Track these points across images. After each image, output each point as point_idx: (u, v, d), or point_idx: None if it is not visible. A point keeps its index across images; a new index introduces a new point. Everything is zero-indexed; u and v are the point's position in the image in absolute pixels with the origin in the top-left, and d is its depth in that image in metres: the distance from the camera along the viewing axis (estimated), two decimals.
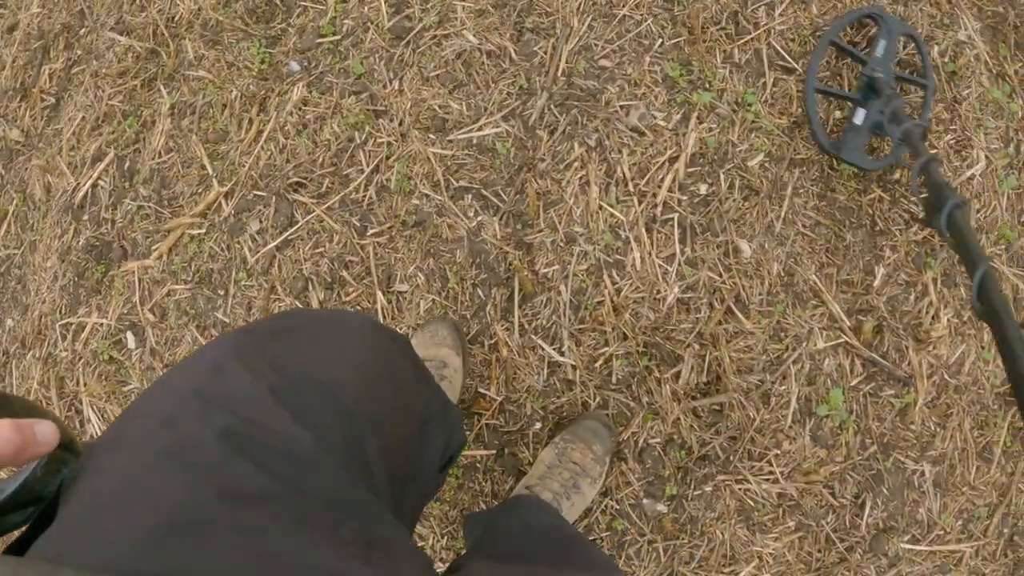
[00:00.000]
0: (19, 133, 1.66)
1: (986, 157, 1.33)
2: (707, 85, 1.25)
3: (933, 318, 1.26)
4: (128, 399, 1.38)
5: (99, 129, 1.54)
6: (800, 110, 1.26)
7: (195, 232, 1.37)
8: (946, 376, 1.28)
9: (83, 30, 1.68)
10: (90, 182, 1.50)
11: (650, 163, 1.17)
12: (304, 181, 1.29)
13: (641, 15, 1.27)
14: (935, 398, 1.28)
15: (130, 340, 1.40)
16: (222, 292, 1.34)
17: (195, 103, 1.44)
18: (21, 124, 1.67)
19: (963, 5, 1.40)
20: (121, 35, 1.58)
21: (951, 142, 1.33)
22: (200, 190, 1.39)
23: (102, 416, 1.40)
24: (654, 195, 1.19)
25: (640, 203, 1.18)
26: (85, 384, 1.40)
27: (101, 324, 1.42)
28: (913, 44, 1.29)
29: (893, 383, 1.25)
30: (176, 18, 1.54)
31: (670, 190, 1.19)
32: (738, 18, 1.28)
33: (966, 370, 1.28)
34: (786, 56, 1.28)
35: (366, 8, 1.38)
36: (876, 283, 1.26)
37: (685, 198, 1.20)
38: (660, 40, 1.26)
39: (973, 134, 1.34)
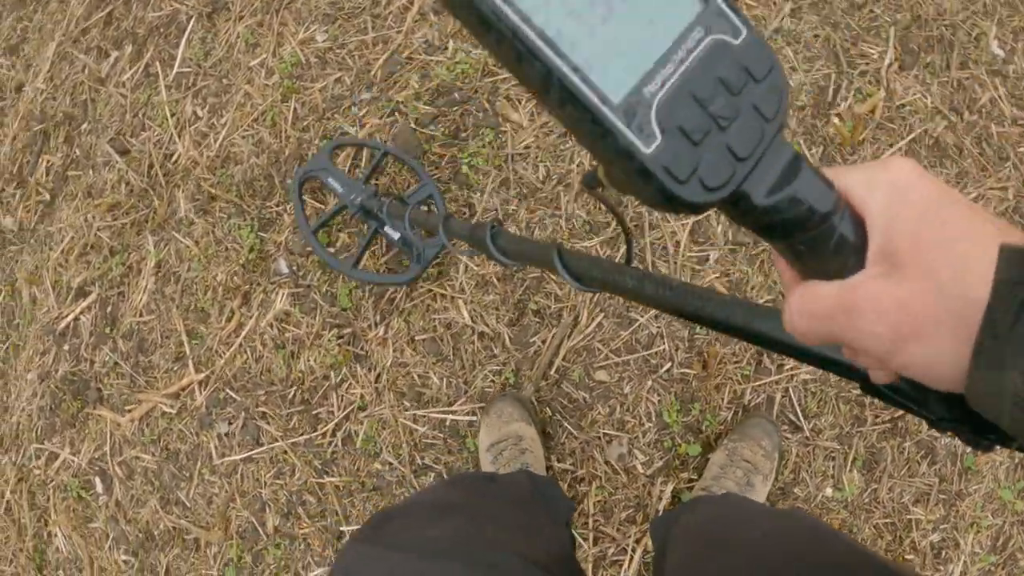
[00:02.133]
0: (12, 222, 1.45)
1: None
2: (700, 430, 1.04)
3: None
4: (93, 536, 1.32)
5: (87, 257, 1.34)
6: None
7: (167, 410, 1.24)
8: None
9: (84, 126, 1.41)
10: (73, 315, 1.33)
11: (615, 507, 1.02)
12: (272, 414, 1.14)
13: (658, 329, 1.05)
14: None
15: (98, 485, 1.32)
16: (187, 475, 1.23)
17: (180, 273, 1.24)
18: (15, 213, 1.45)
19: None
20: (118, 154, 1.32)
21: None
22: (176, 367, 1.24)
23: (67, 538, 1.35)
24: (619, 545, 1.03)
25: (595, 545, 1.05)
26: (54, 510, 1.32)
27: (73, 461, 1.32)
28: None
29: None
30: (174, 158, 1.28)
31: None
32: (761, 358, 1.07)
33: None
34: (798, 412, 1.05)
35: (365, 227, 1.15)
36: None
37: None
38: (669, 365, 1.04)
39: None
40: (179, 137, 1.28)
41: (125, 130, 1.34)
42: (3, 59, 1.59)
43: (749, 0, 1.16)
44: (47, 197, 1.41)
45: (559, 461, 1.05)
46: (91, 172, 1.36)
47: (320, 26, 1.24)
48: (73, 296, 1.30)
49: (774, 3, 1.17)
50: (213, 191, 1.19)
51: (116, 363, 1.26)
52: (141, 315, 1.26)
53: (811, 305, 0.23)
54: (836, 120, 1.16)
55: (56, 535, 1.34)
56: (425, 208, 1.03)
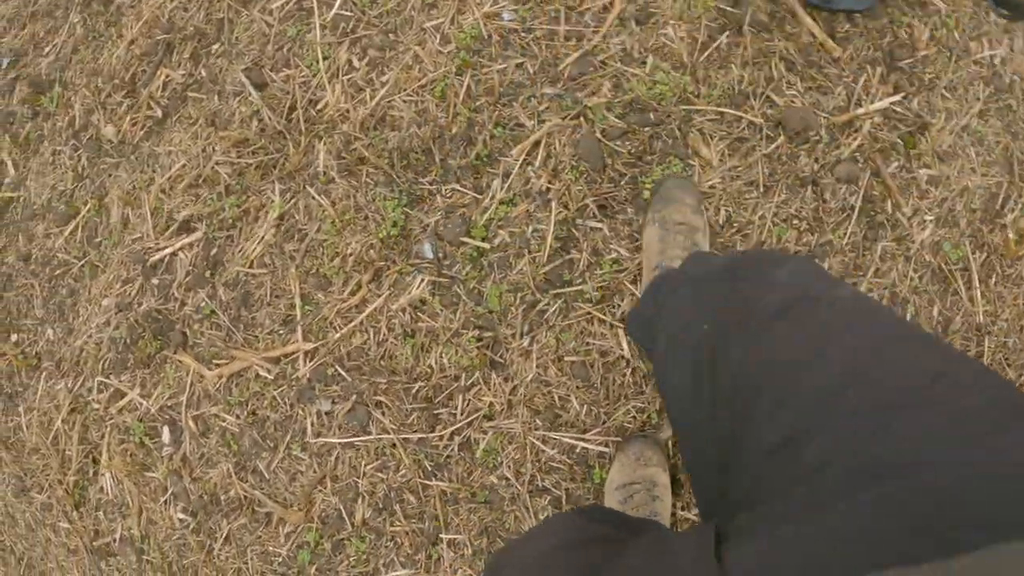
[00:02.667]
0: (114, 132, 1.29)
1: None
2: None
3: None
4: (148, 487, 1.20)
5: (197, 190, 1.20)
6: None
7: (263, 374, 1.12)
8: None
9: (216, 46, 1.26)
10: (171, 250, 1.19)
11: None
12: (390, 404, 1.04)
13: None
14: None
15: (165, 434, 1.19)
16: (271, 446, 1.12)
17: (307, 231, 1.11)
18: (119, 124, 1.29)
19: None
20: (254, 87, 1.17)
21: None
22: (282, 331, 1.12)
23: (116, 482, 1.22)
24: None
25: None
26: (108, 450, 1.18)
27: (141, 404, 1.19)
28: None
29: None
30: (319, 105, 1.14)
31: None
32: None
33: None
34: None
35: (530, 229, 1.05)
36: None
37: None
38: None
39: None
40: (329, 84, 1.14)
41: (265, 62, 1.20)
42: None
43: (944, 92, 1.10)
44: (159, 114, 1.26)
45: (683, 510, 0.99)
46: (216, 99, 1.21)
47: (509, 3, 1.12)
48: (175, 230, 1.16)
49: (966, 100, 1.11)
50: (364, 152, 1.07)
51: (213, 311, 1.13)
52: (252, 266, 1.13)
53: None
54: (1003, 230, 1.11)
55: (104, 475, 1.21)
56: None
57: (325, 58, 1.16)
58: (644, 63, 1.06)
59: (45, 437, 1.23)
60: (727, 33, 1.08)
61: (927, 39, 1.09)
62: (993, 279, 1.06)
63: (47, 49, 1.44)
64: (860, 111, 1.06)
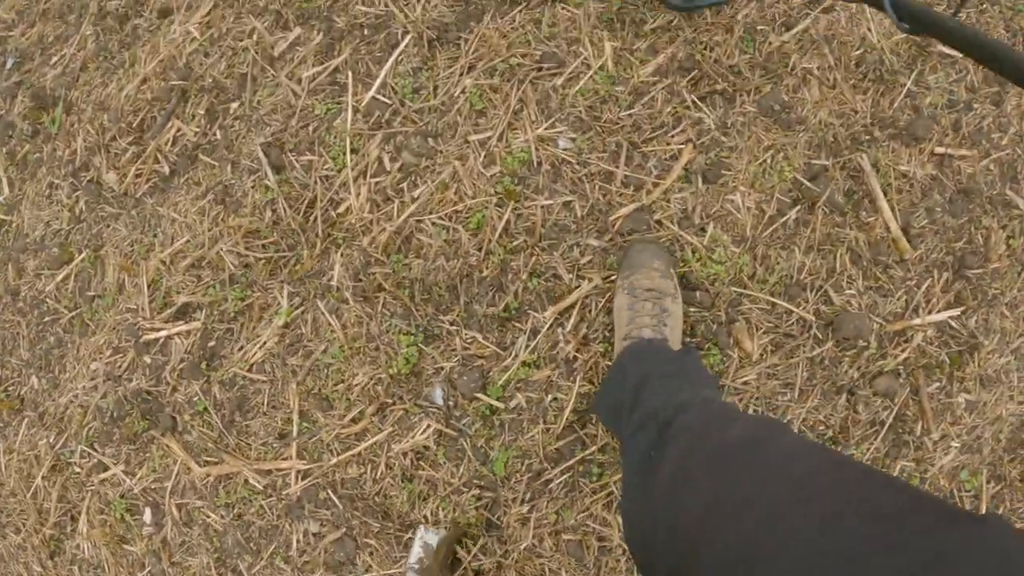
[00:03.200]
0: (116, 180, 1.13)
1: None
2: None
3: None
4: (125, 559, 1.15)
5: (199, 271, 1.07)
6: None
7: (252, 481, 1.05)
8: None
9: (235, 105, 1.09)
10: (166, 333, 1.08)
11: None
12: (378, 548, 0.98)
13: None
14: None
15: (147, 515, 1.12)
16: (254, 550, 1.06)
17: (312, 350, 1.00)
18: (122, 172, 1.13)
19: None
20: (272, 168, 1.02)
21: None
22: (276, 444, 1.03)
23: (95, 548, 1.17)
24: None
25: None
26: (87, 517, 1.10)
27: (124, 480, 1.11)
28: None
29: None
30: (341, 208, 0.99)
31: None
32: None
33: None
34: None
35: (549, 397, 0.96)
36: None
37: None
38: None
39: None
40: (354, 184, 1.00)
41: (286, 140, 1.05)
42: None
43: (1005, 310, 1.00)
44: (166, 170, 1.11)
45: None
46: (229, 170, 1.07)
47: (568, 129, 0.98)
48: (173, 313, 1.05)
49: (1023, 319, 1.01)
50: (383, 281, 0.96)
51: (206, 409, 1.05)
52: (250, 370, 1.03)
53: None
54: (1023, 463, 1.05)
55: (80, 534, 1.16)
56: None
57: (354, 151, 1.02)
58: (704, 231, 0.94)
59: (24, 488, 1.17)
60: (798, 208, 0.96)
61: (1002, 251, 0.98)
62: (1001, 511, 1.01)
63: (54, 59, 1.25)
64: (916, 321, 0.96)
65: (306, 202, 1.01)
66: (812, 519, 0.42)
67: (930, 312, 0.97)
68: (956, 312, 0.97)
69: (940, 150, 1.00)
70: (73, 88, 1.23)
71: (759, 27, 1.01)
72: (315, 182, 1.01)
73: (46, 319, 1.18)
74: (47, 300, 1.18)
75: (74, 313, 1.15)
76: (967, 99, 1.03)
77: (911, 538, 0.38)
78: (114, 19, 1.22)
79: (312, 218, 1.01)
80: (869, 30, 1.02)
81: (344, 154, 1.01)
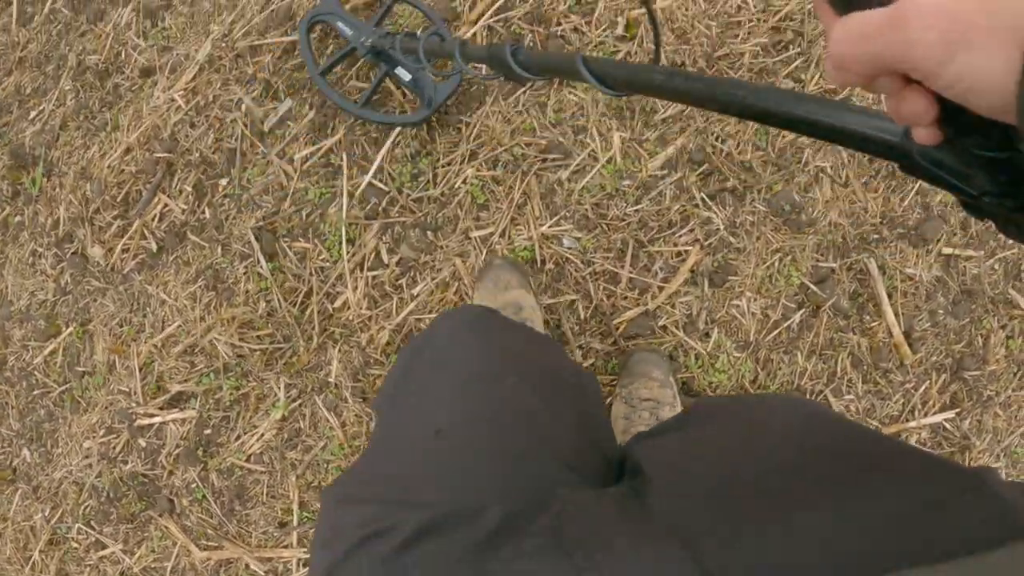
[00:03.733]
0: (101, 254, 1.05)
1: None
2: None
3: None
4: None
5: (192, 358, 1.01)
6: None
7: (253, 567, 1.02)
8: None
9: (224, 182, 1.01)
10: (160, 419, 1.02)
11: None
12: None
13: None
14: None
15: None
16: None
17: (312, 446, 0.96)
18: (108, 246, 1.05)
19: None
20: (264, 256, 0.96)
21: None
22: (277, 534, 1.01)
23: None
24: None
25: None
26: None
27: (123, 559, 1.08)
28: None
29: None
30: (337, 303, 0.94)
31: None
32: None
33: None
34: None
35: None
36: None
37: None
38: None
39: None
40: (351, 278, 0.94)
41: (279, 224, 0.97)
42: (137, 24, 1.08)
43: (999, 409, 0.98)
44: (153, 247, 1.03)
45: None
46: (220, 251, 1.00)
47: (573, 228, 0.92)
48: (167, 400, 1.00)
49: (1016, 418, 1.00)
50: (382, 381, 0.91)
51: (204, 496, 1.01)
52: (248, 460, 0.99)
53: (858, 26, 0.22)
54: None
55: None
56: (438, 38, 0.89)
57: (350, 240, 0.95)
58: (708, 336, 0.90)
59: (22, 560, 1.14)
60: (802, 312, 0.92)
61: (1001, 353, 0.96)
62: None
63: (33, 114, 1.14)
64: (911, 424, 0.94)
65: (301, 294, 0.95)
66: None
67: (926, 414, 0.95)
68: (951, 415, 0.95)
69: (948, 250, 0.96)
70: (53, 148, 1.14)
71: None
72: (310, 273, 0.95)
73: (35, 392, 1.12)
74: (35, 373, 1.12)
75: (64, 388, 1.10)
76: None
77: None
78: (94, 75, 1.12)
79: (308, 311, 0.95)
80: None
81: (340, 245, 0.95)
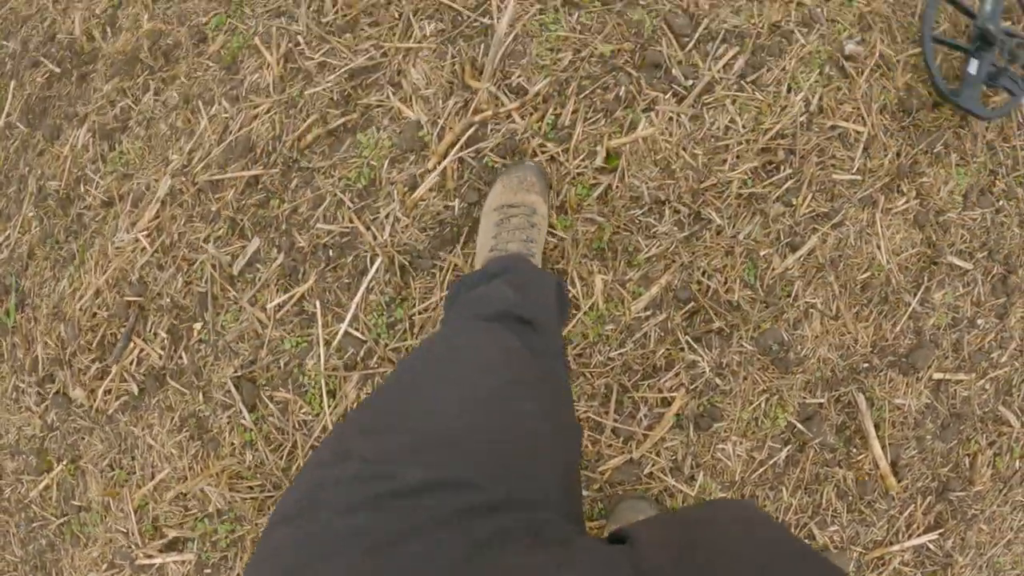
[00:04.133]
0: (84, 396, 1.01)
1: None
2: None
3: None
4: None
5: (185, 503, 0.99)
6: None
7: None
8: None
9: (198, 326, 0.95)
10: (160, 561, 1.02)
11: None
12: None
13: None
14: None
15: None
16: None
17: None
18: (88, 388, 1.01)
19: None
20: (245, 407, 0.92)
21: None
22: None
23: None
24: None
25: None
26: None
27: None
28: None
29: None
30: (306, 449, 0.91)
31: None
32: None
33: None
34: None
35: None
36: None
37: None
38: None
39: None
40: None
41: (257, 373, 0.94)
42: (94, 147, 0.99)
43: (983, 525, 0.97)
44: (135, 390, 1.00)
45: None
46: (202, 399, 0.96)
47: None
48: (164, 544, 1.00)
49: (999, 530, 0.98)
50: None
51: None
52: None
53: None
54: None
55: None
56: None
57: (330, 392, 0.92)
58: (693, 480, 0.89)
59: None
60: (788, 448, 0.90)
61: (988, 474, 0.94)
62: None
63: (0, 240, 1.08)
64: (895, 547, 0.94)
65: (287, 448, 0.93)
66: None
67: (909, 537, 0.95)
68: (935, 536, 0.95)
69: (938, 376, 0.93)
70: (24, 277, 1.08)
71: (762, 251, 0.89)
72: (293, 427, 0.92)
73: (34, 523, 1.12)
74: (32, 506, 1.12)
75: (62, 520, 1.10)
76: (972, 315, 0.95)
77: None
78: (56, 202, 1.05)
79: (295, 462, 0.93)
80: (878, 247, 0.91)
81: (320, 398, 0.91)
